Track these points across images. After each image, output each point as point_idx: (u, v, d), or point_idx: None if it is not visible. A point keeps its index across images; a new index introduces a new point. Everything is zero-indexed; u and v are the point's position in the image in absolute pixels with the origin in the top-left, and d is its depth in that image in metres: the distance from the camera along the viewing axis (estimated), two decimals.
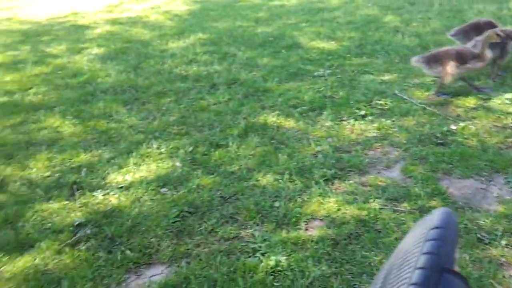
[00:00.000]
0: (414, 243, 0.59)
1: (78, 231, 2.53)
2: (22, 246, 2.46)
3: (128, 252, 2.33)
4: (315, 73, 4.52)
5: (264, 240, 2.31)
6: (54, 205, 2.77)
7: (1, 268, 2.29)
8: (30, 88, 4.59)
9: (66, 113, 3.98)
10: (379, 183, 2.72)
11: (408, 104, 3.75)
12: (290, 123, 3.54)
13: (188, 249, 2.31)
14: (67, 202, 2.80)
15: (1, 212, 2.74)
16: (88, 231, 2.52)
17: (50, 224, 2.61)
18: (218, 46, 5.49)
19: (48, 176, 3.09)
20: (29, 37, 6.40)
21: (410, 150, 3.08)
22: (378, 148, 3.15)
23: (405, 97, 3.89)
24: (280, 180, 2.79)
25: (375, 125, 3.43)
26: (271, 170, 2.92)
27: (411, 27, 5.90)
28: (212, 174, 2.97)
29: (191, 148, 3.28)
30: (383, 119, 3.50)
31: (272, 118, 3.62)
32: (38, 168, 3.19)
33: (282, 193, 2.67)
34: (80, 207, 2.75)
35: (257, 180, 2.84)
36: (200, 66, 4.87)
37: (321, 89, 4.11)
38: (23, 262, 2.32)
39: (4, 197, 2.90)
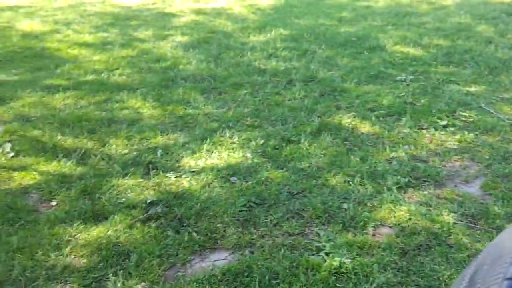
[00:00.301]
0: (509, 240, 0.56)
1: (149, 208, 2.64)
2: (97, 217, 2.60)
3: (195, 234, 2.39)
4: (397, 78, 4.37)
5: (329, 240, 2.27)
6: (130, 182, 2.90)
7: (77, 235, 2.44)
8: (116, 69, 4.83)
9: (147, 96, 4.15)
10: (456, 197, 2.59)
11: (494, 119, 3.52)
12: (365, 126, 3.46)
13: (252, 239, 2.33)
14: (141, 180, 2.93)
15: (81, 183, 2.91)
16: (159, 210, 2.61)
17: (124, 199, 2.74)
18: (298, 42, 5.48)
19: (126, 154, 3.25)
20: (119, 20, 6.74)
21: (493, 167, 2.90)
22: (457, 161, 2.99)
23: (491, 111, 3.66)
24: (351, 182, 2.73)
25: (457, 137, 3.26)
26: (342, 171, 2.87)
27: (506, 39, 5.53)
28: (281, 168, 2.97)
29: (262, 141, 3.30)
30: (465, 132, 3.32)
31: (347, 119, 3.55)
32: (118, 145, 3.35)
33: (352, 196, 2.61)
34: (153, 186, 2.86)
35: (327, 180, 2.80)
36: (278, 61, 4.89)
37: (401, 94, 3.98)
38: (97, 232, 2.45)
39: (85, 169, 3.08)
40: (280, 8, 7.20)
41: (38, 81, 4.49)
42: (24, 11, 7.31)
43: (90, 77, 4.60)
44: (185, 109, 3.90)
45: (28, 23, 6.54)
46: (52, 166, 3.09)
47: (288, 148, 3.19)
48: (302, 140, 3.26)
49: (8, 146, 3.33)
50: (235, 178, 2.89)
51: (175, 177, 2.92)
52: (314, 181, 2.79)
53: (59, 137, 3.44)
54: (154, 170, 3.01)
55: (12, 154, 3.24)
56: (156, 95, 4.17)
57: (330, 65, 4.74)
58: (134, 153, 3.25)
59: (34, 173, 3.02)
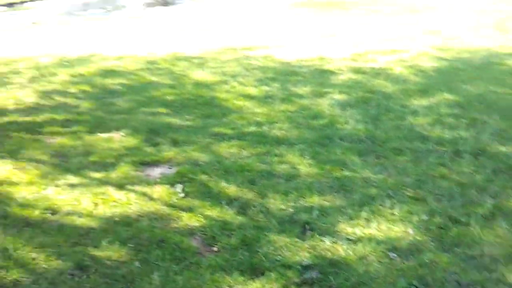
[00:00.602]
0: None
1: (304, 272, 2.62)
2: (254, 270, 2.67)
3: None
4: None
5: None
6: (286, 239, 2.94)
7: (235, 286, 2.53)
8: (275, 123, 5.03)
9: (305, 152, 4.23)
10: None
11: None
12: None
13: None
14: (297, 239, 2.94)
15: (241, 232, 3.03)
16: (314, 275, 2.58)
17: (280, 257, 2.77)
18: (466, 110, 5.13)
19: (283, 209, 3.31)
20: (280, 75, 7.08)
21: None
22: None
23: None
24: None
25: None
26: None
27: None
28: (447, 252, 2.73)
29: (426, 217, 3.09)
30: None
31: None
32: (275, 199, 3.44)
33: None
34: (308, 248, 2.85)
35: (503, 275, 2.49)
36: (443, 128, 4.62)
37: None
38: (254, 287, 2.51)
39: (244, 219, 3.21)
40: (444, 70, 6.87)
41: (207, 128, 4.90)
42: (197, 62, 8.14)
43: (252, 129, 4.86)
44: (342, 170, 3.87)
45: (200, 73, 7.25)
46: (216, 212, 3.29)
47: (455, 229, 2.93)
48: (472, 223, 2.98)
49: (179, 187, 3.66)
50: (395, 255, 2.73)
51: (331, 242, 2.88)
52: (488, 274, 2.50)
53: (223, 184, 3.67)
54: (310, 231, 3.01)
55: (182, 195, 3.55)
56: (313, 152, 4.22)
57: (504, 138, 4.32)
58: (291, 210, 3.30)
59: (200, 216, 3.25)
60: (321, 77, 6.82)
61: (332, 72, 7.06)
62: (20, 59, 8.96)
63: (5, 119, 5.31)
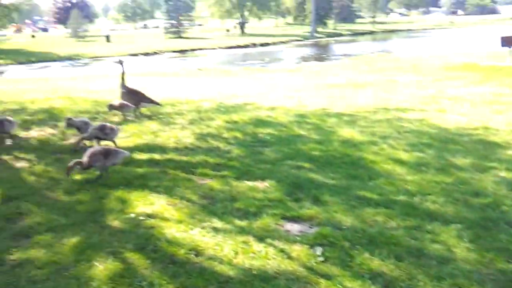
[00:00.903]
0: None
1: None
2: None
3: None
4: None
5: None
6: None
7: None
8: (428, 194, 4.60)
9: (462, 234, 3.74)
10: None
11: None
12: None
13: None
14: None
15: None
16: None
17: None
18: None
19: None
20: (436, 141, 6.57)
21: None
22: None
23: None
24: None
25: None
26: None
27: None
28: None
29: None
30: None
31: None
32: (425, 283, 3.06)
33: None
34: None
35: None
36: None
37: None
38: None
39: None
40: None
41: (351, 190, 4.69)
42: (347, 119, 8.04)
43: (401, 197, 4.51)
44: (509, 262, 3.31)
45: (349, 131, 7.11)
46: (357, 285, 3.05)
47: None
48: None
49: (319, 250, 3.49)
50: None
51: None
52: None
53: (366, 255, 3.40)
54: None
55: (321, 258, 3.37)
56: (473, 235, 3.72)
57: None
58: None
59: (339, 286, 3.03)
60: (484, 149, 6.15)
61: (498, 145, 6.33)
62: (185, 101, 9.92)
63: (166, 156, 5.81)
